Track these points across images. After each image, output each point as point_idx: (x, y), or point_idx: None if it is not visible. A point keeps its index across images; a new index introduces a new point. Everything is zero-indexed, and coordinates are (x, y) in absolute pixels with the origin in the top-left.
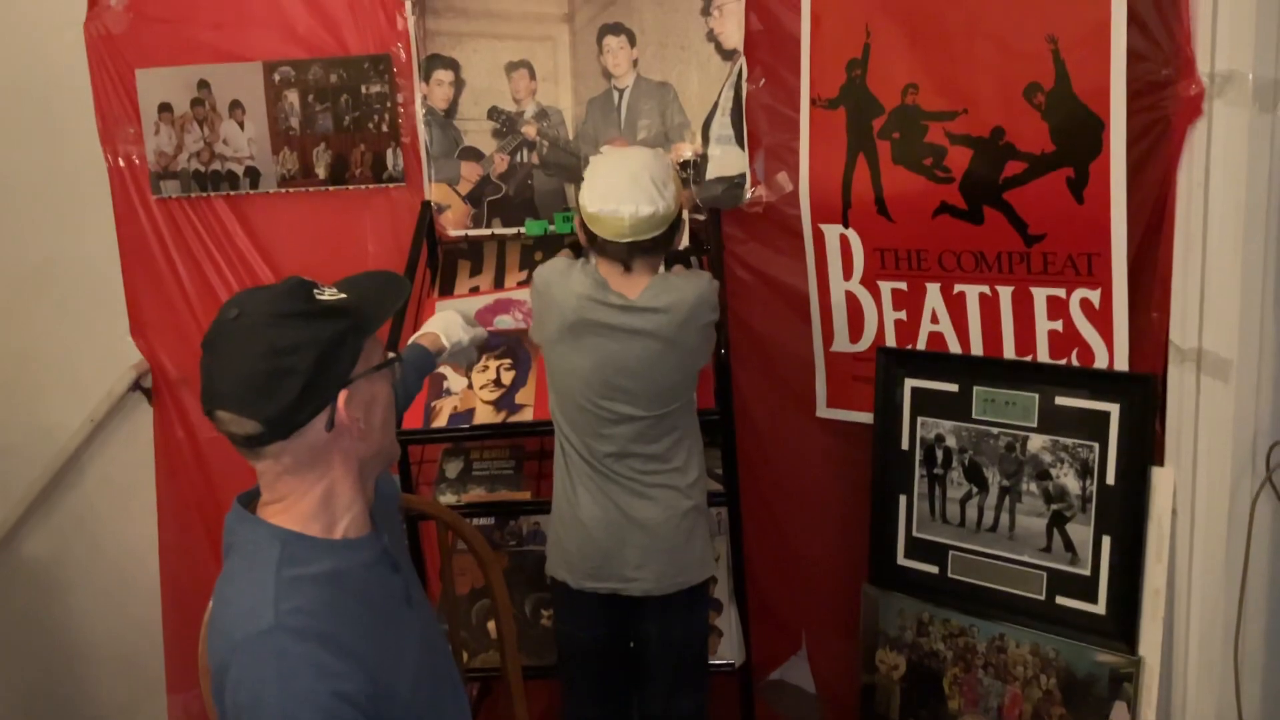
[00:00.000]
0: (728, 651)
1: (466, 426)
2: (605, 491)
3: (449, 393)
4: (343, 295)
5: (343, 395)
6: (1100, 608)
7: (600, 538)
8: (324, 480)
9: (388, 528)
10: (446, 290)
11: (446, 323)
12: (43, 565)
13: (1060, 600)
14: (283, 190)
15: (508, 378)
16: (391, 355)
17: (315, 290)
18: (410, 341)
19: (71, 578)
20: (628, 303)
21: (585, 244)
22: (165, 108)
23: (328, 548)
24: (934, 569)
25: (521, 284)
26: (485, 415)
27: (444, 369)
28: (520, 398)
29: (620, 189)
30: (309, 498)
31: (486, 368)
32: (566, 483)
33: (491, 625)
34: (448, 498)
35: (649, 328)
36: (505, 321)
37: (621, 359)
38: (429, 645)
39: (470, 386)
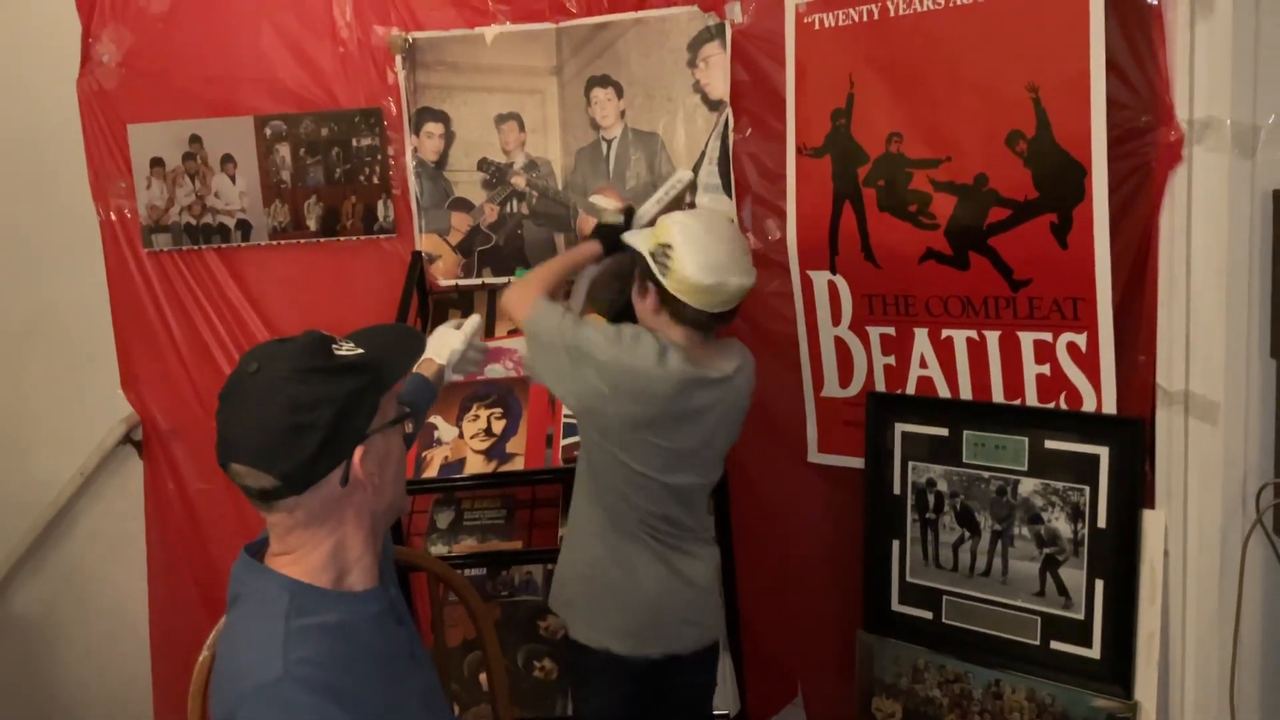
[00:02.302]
0: (722, 701)
1: (457, 476)
2: (663, 556)
3: (439, 442)
4: (360, 351)
5: (359, 451)
6: (1095, 652)
7: (660, 602)
8: (336, 534)
9: (391, 581)
10: None
11: (437, 342)
12: (32, 618)
13: (1055, 645)
14: (274, 242)
15: (498, 427)
16: (406, 410)
17: (334, 345)
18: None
19: (61, 631)
20: (721, 374)
21: (655, 311)
22: (157, 162)
23: (336, 599)
24: (928, 614)
25: (513, 333)
26: (476, 465)
27: (434, 418)
28: (511, 446)
29: (725, 261)
30: (320, 551)
31: (478, 417)
32: (617, 549)
33: (483, 677)
34: (439, 548)
35: (730, 396)
36: (496, 370)
37: (709, 433)
38: (429, 701)
39: (461, 436)
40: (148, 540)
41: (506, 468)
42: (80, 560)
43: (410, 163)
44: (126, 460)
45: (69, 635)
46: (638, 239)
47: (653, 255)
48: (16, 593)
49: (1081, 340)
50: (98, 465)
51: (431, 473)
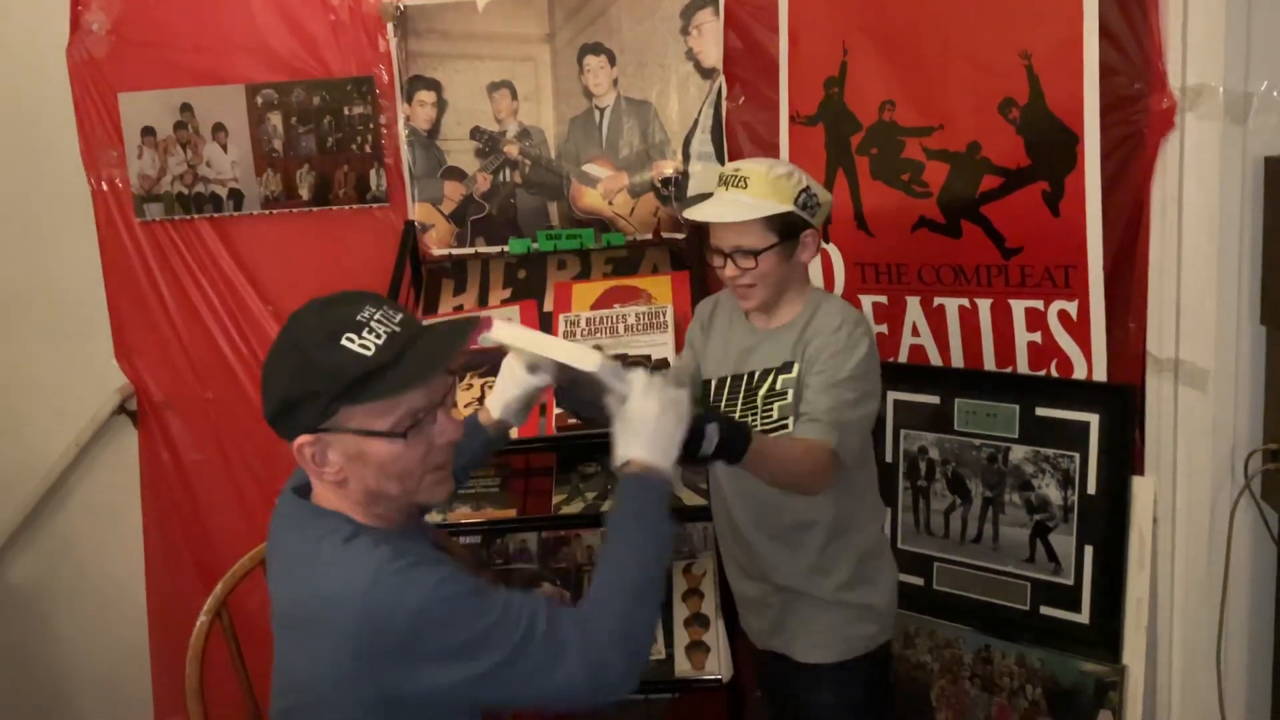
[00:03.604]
0: (714, 666)
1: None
2: None
3: None
4: (367, 353)
5: (302, 439)
6: (1084, 617)
7: None
8: (345, 498)
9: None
10: (431, 309)
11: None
12: (28, 592)
13: (1045, 610)
14: (266, 212)
15: None
16: (401, 429)
17: (350, 334)
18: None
19: (57, 604)
20: None
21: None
22: (148, 131)
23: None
24: (919, 580)
25: (506, 302)
26: None
27: None
28: None
29: None
30: (341, 504)
31: (471, 385)
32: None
33: None
34: (434, 516)
35: None
36: (489, 340)
37: None
38: None
39: (455, 405)
40: (143, 511)
41: None
42: (75, 532)
43: (402, 131)
44: (121, 431)
45: (65, 608)
46: (769, 210)
47: (802, 208)
48: (11, 566)
49: (1073, 308)
50: (92, 436)
51: None
